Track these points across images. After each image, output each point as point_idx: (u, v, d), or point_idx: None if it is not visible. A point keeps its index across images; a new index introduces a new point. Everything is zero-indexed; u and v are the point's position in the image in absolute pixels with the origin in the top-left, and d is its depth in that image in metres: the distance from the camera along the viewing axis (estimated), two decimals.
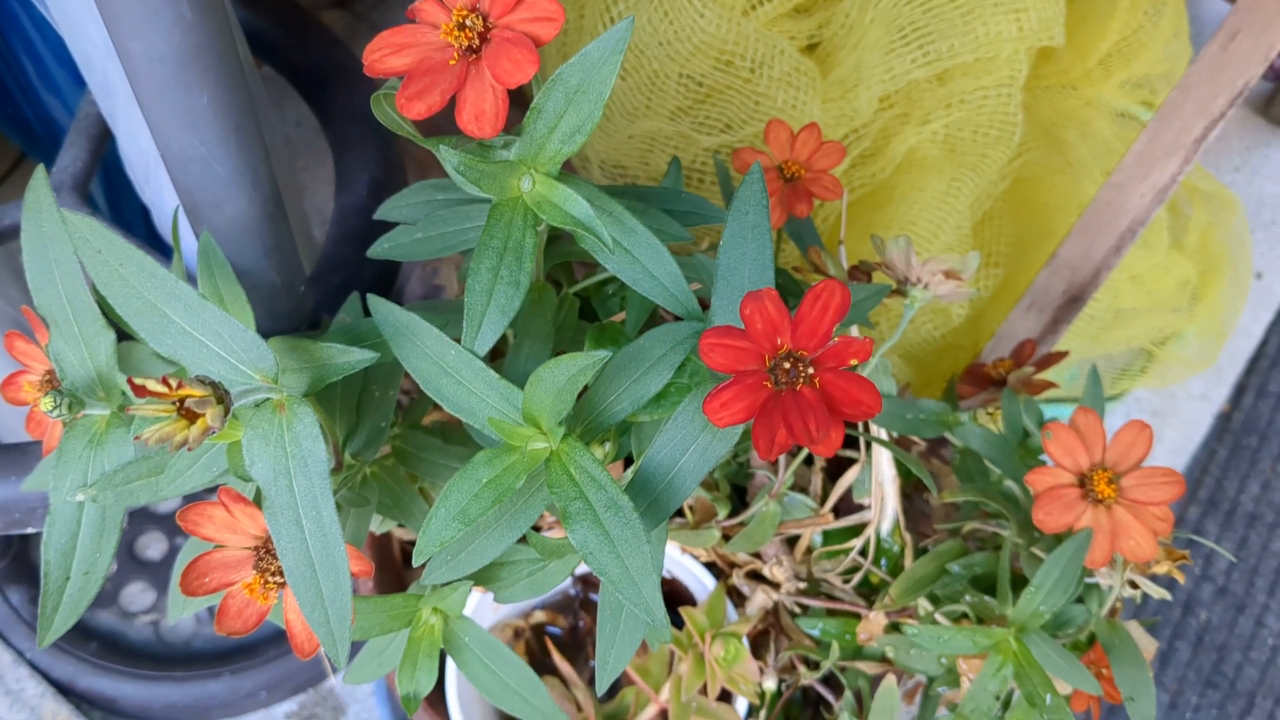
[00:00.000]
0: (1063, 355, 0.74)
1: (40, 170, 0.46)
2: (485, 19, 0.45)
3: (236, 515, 0.44)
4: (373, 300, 0.45)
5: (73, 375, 0.47)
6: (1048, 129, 0.99)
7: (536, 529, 0.63)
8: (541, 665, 0.74)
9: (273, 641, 1.01)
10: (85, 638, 0.98)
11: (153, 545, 1.04)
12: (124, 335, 0.48)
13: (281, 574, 0.43)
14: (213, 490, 0.46)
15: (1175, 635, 1.35)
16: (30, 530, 0.64)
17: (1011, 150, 0.89)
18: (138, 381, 0.34)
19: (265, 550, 0.44)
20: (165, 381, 0.35)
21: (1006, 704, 0.66)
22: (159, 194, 0.61)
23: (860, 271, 0.67)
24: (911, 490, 0.76)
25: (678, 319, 0.48)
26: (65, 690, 0.96)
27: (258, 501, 0.42)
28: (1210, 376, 1.29)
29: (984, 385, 0.75)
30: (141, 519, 1.04)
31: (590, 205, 0.46)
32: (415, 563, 0.42)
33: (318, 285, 0.66)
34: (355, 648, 0.55)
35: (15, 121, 0.85)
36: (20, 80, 0.81)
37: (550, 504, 0.45)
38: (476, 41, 0.44)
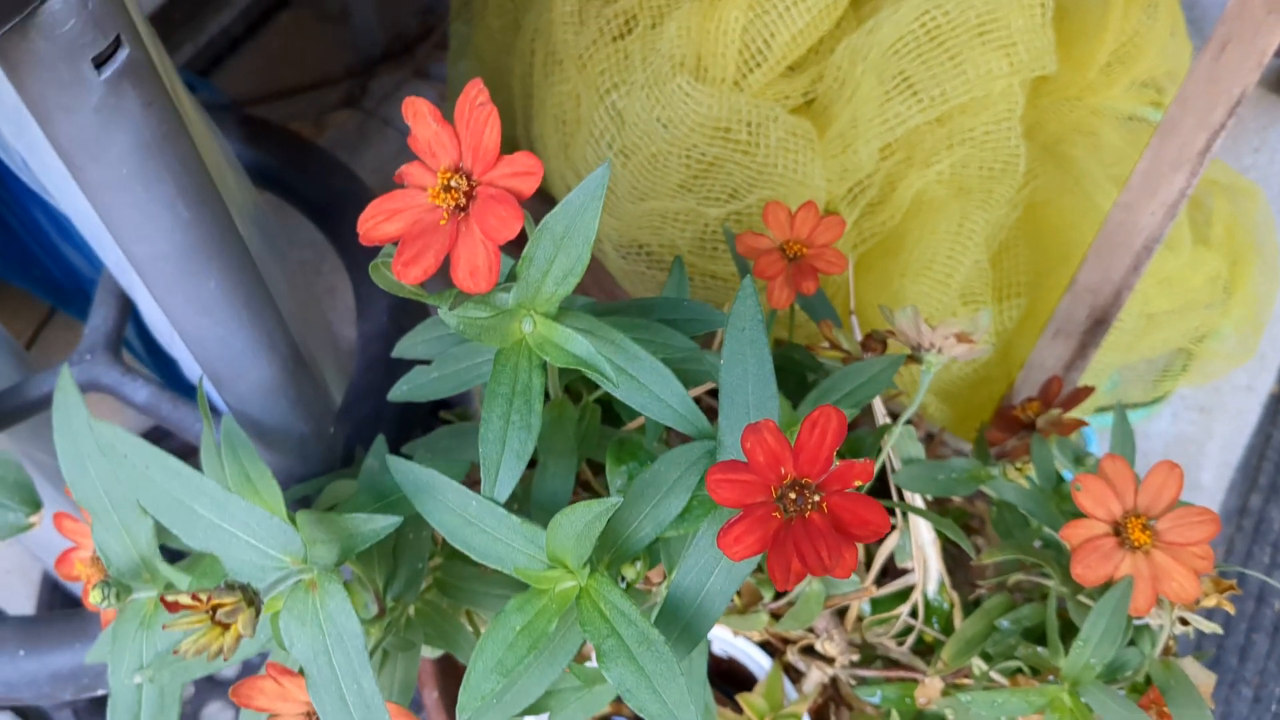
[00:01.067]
0: (1089, 391, 0.74)
1: (66, 371, 0.48)
2: (469, 178, 0.46)
3: (285, 686, 0.45)
4: (392, 461, 0.47)
5: (117, 561, 0.49)
6: (1053, 148, 0.99)
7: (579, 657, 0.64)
8: None
9: None
10: None
11: (220, 714, 1.06)
12: None
13: None
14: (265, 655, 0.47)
15: (1251, 628, 1.33)
16: (100, 693, 0.66)
17: (1017, 181, 0.90)
18: (169, 599, 0.36)
19: (316, 716, 0.46)
20: (195, 597, 0.36)
21: None
22: (184, 353, 0.63)
23: (874, 340, 0.68)
24: (953, 544, 0.76)
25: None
26: None
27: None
28: (1253, 366, 1.28)
29: (1014, 429, 0.75)
30: (207, 687, 1.06)
31: (591, 341, 0.47)
32: (461, 715, 0.43)
33: (348, 417, 0.68)
34: None
35: (42, 281, 0.88)
36: (42, 242, 0.84)
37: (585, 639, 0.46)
38: (463, 201, 0.46)
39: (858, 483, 0.40)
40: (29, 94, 0.38)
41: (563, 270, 0.47)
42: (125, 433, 0.43)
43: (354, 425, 0.68)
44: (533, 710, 0.54)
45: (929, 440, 0.93)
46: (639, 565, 0.52)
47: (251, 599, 0.38)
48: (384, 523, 0.44)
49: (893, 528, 0.68)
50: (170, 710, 0.49)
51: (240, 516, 0.42)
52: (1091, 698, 0.61)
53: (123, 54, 0.38)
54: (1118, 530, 0.60)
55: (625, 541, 0.48)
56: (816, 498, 0.40)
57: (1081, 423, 0.72)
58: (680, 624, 0.46)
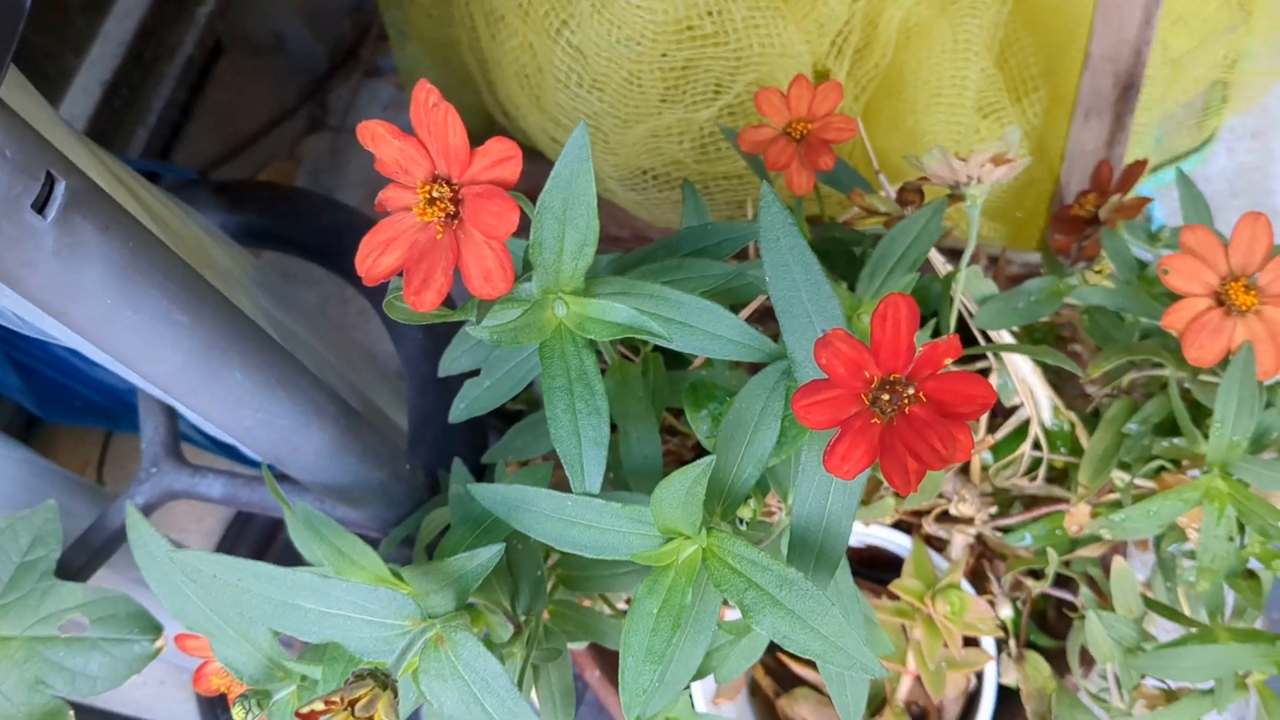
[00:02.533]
0: (1142, 166, 0.70)
1: (130, 509, 0.47)
2: (450, 183, 0.43)
3: None
4: (476, 490, 0.45)
5: (247, 671, 0.48)
6: None
7: None
8: (785, 678, 0.74)
9: None
10: None
11: None
12: None
13: None
14: None
15: None
16: None
17: None
18: (304, 711, 0.35)
19: None
20: (328, 701, 0.35)
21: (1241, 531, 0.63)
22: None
23: (909, 193, 0.65)
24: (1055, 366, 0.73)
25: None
26: None
27: None
28: None
29: (1078, 229, 0.71)
30: None
31: (629, 302, 0.45)
32: (629, 718, 0.42)
33: (419, 446, 0.67)
34: None
35: (86, 411, 0.88)
36: (73, 374, 0.83)
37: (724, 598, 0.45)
38: (452, 208, 0.43)
39: (947, 361, 0.38)
40: None
41: (576, 244, 0.44)
42: (206, 554, 0.41)
43: (428, 450, 0.67)
44: (700, 674, 0.53)
45: (993, 265, 0.90)
46: (751, 503, 0.50)
47: (385, 682, 0.37)
48: (488, 555, 0.43)
49: (988, 370, 0.66)
50: None
51: (346, 598, 0.41)
52: (1245, 474, 0.58)
53: (60, 189, 0.36)
54: (1220, 300, 0.56)
55: (732, 488, 0.46)
56: (910, 390, 0.38)
57: (1145, 200, 0.68)
58: (813, 553, 0.44)
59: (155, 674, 1.12)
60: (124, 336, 0.41)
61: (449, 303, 0.47)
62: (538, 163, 0.99)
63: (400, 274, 0.44)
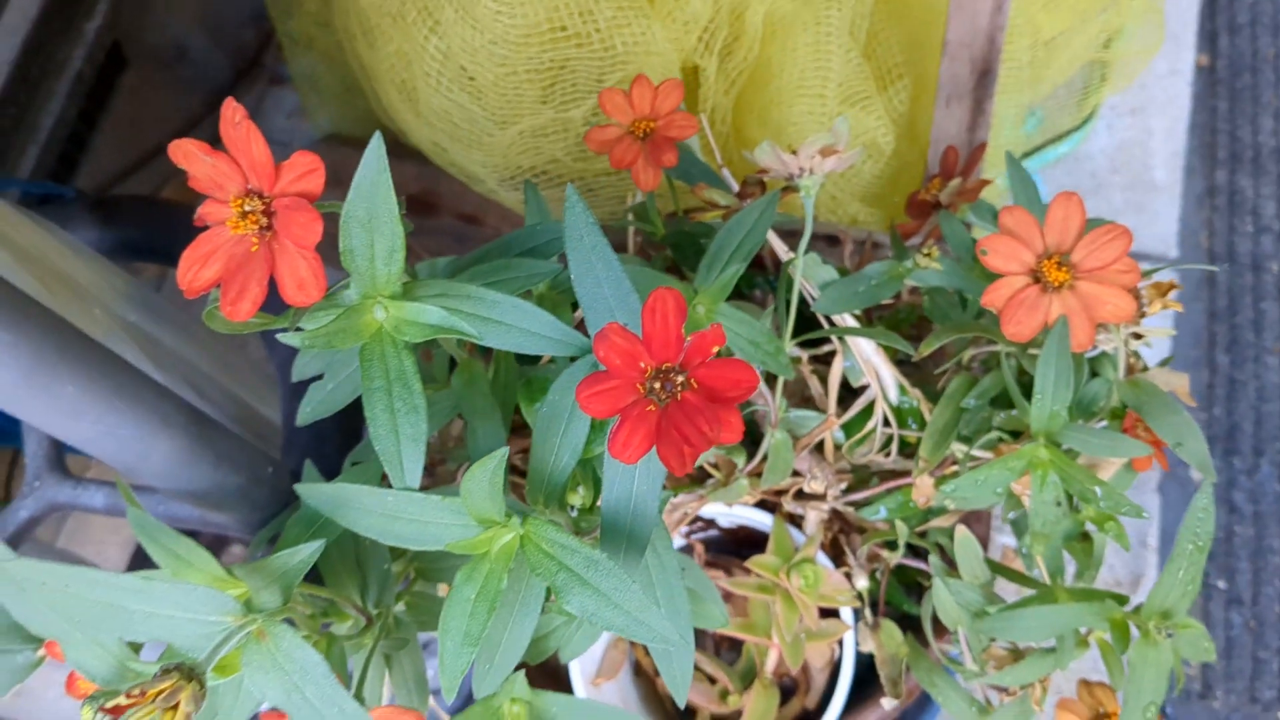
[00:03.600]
0: (982, 149, 0.73)
1: None
2: (262, 196, 0.45)
3: None
4: (301, 489, 0.47)
5: (99, 674, 0.50)
6: None
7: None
8: None
9: None
10: None
11: None
12: None
13: None
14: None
15: (1257, 298, 1.33)
16: None
17: None
18: (107, 707, 0.37)
19: None
20: (129, 694, 0.37)
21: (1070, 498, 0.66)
22: None
23: (751, 186, 0.67)
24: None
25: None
26: None
27: None
28: (1169, 50, 1.26)
29: (927, 213, 0.74)
30: None
31: (444, 303, 0.47)
32: (447, 696, 0.44)
33: (290, 451, 0.68)
34: None
35: None
36: None
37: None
38: (265, 220, 0.45)
39: (715, 349, 0.40)
40: None
41: (385, 250, 0.46)
42: (33, 562, 0.43)
43: (300, 452, 0.68)
44: (537, 657, 0.55)
45: (868, 248, 0.93)
46: (581, 490, 0.53)
47: (190, 674, 0.39)
48: (308, 551, 0.45)
49: (833, 354, 0.68)
50: None
51: (169, 598, 0.43)
52: (1069, 439, 0.61)
53: None
54: (1036, 277, 0.59)
55: (551, 475, 0.48)
56: (681, 378, 0.40)
57: (985, 182, 0.71)
58: (623, 535, 0.46)
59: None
60: None
61: (273, 310, 0.49)
62: (426, 165, 1.01)
63: (218, 287, 0.46)
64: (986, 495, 0.64)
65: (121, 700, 0.37)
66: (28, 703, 1.10)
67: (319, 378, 0.58)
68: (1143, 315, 0.63)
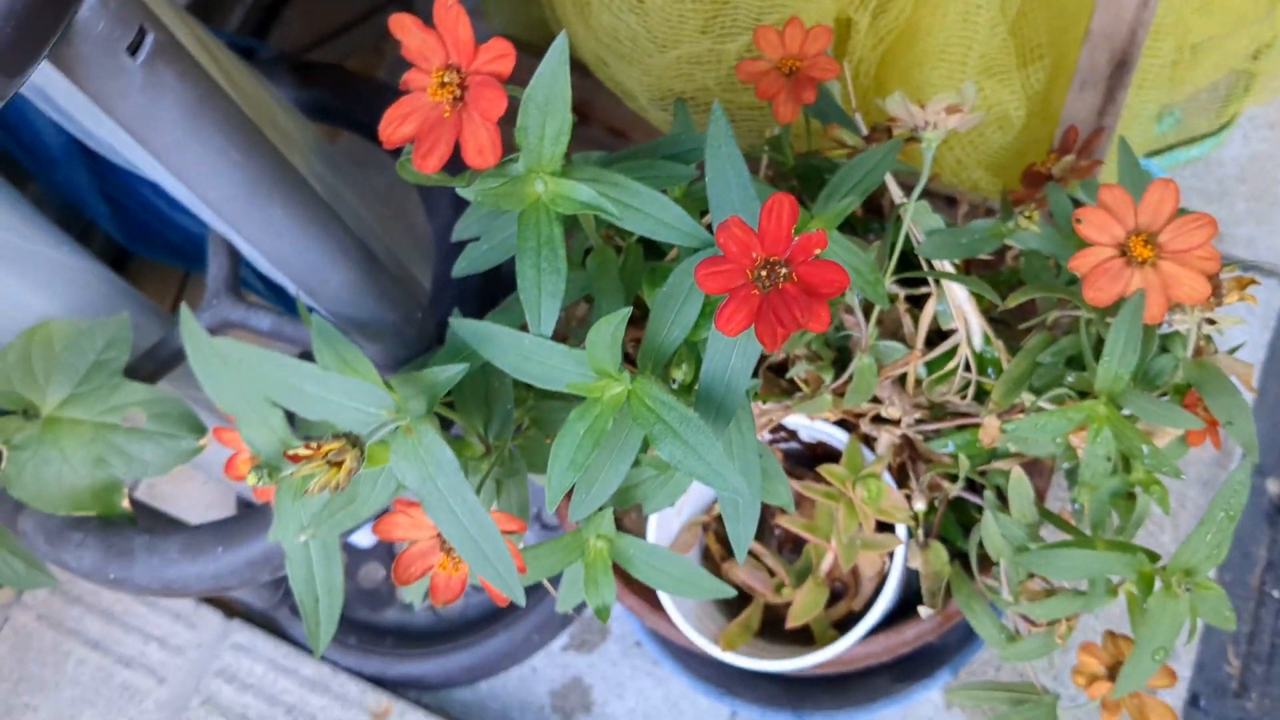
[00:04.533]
0: (1100, 132, 0.78)
1: (186, 311, 0.59)
2: (459, 70, 0.54)
3: (414, 516, 0.56)
4: (455, 323, 0.56)
5: (264, 450, 0.60)
6: None
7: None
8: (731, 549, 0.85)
9: (531, 591, 1.16)
10: (380, 636, 1.16)
11: (375, 572, 1.21)
12: None
13: None
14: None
15: None
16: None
17: None
18: (289, 452, 0.46)
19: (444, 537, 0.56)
20: (308, 445, 0.47)
21: (1127, 465, 0.72)
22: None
23: (878, 133, 0.74)
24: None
25: None
26: (379, 681, 1.14)
27: None
28: None
29: (1039, 184, 0.80)
30: (360, 555, 1.22)
31: (594, 186, 0.55)
32: (549, 508, 0.53)
33: (437, 304, 0.78)
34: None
35: (167, 250, 1.00)
36: (156, 215, 0.96)
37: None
38: (459, 91, 0.54)
39: (817, 250, 0.48)
40: (88, 89, 0.47)
41: (555, 132, 0.55)
42: (237, 343, 0.53)
43: (444, 308, 0.78)
44: (625, 503, 0.64)
45: (981, 211, 0.98)
46: (684, 368, 0.61)
47: (355, 441, 0.48)
48: (456, 369, 0.54)
49: (928, 295, 0.75)
50: (334, 558, 0.61)
51: (340, 386, 0.52)
52: (1130, 405, 0.67)
53: (150, 39, 0.47)
54: (1123, 251, 0.65)
55: (660, 346, 0.57)
56: (784, 270, 0.48)
57: (1097, 163, 0.77)
58: (715, 404, 0.55)
59: (207, 496, 1.27)
60: (191, 164, 0.53)
61: (452, 172, 0.58)
62: (586, 78, 1.09)
63: (412, 142, 0.55)
64: (1045, 440, 0.70)
65: (302, 450, 0.47)
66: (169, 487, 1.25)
67: (473, 241, 0.67)
68: (1219, 303, 0.69)
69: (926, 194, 0.72)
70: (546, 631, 1.16)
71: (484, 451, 0.64)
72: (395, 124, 0.55)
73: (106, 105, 0.48)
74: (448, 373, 0.54)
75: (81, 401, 0.77)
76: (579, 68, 1.08)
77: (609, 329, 0.52)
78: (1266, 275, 1.23)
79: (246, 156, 0.54)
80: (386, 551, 1.22)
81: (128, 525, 0.78)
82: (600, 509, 0.59)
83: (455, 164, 0.56)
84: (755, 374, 0.76)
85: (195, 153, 0.52)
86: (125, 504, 0.80)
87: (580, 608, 1.16)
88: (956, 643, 0.97)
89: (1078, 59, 0.94)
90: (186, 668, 1.17)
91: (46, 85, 0.53)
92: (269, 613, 1.18)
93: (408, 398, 0.55)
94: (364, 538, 1.21)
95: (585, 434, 0.54)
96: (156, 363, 0.82)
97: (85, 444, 0.77)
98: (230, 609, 1.20)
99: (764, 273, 0.48)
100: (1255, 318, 1.23)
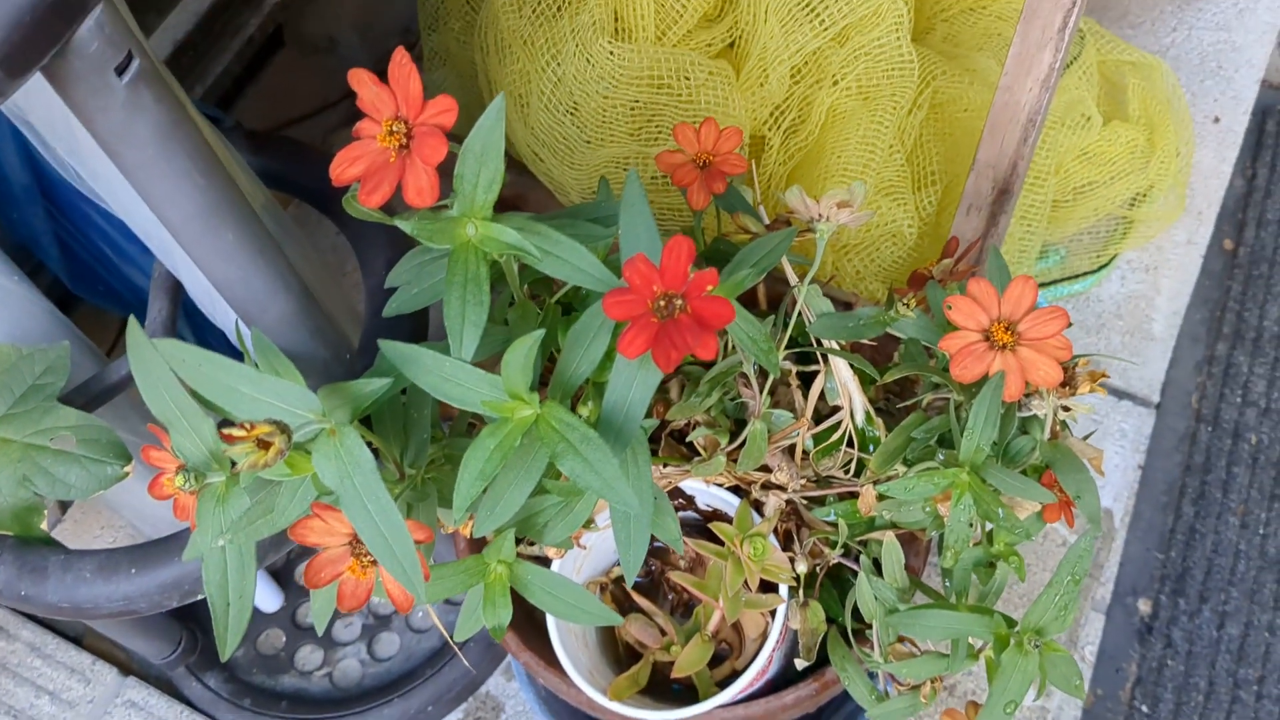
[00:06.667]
0: (976, 243, 0.88)
1: (133, 321, 0.64)
2: (406, 122, 0.61)
3: (329, 520, 0.60)
4: (382, 343, 0.62)
5: (192, 458, 0.64)
6: (953, 52, 1.12)
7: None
8: (626, 607, 0.90)
9: (429, 663, 1.18)
10: (275, 699, 1.17)
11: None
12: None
13: (371, 555, 0.60)
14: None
15: (1231, 462, 1.44)
16: (201, 596, 0.81)
17: (914, 83, 1.03)
18: (224, 431, 0.51)
19: (355, 542, 0.61)
20: (243, 426, 0.51)
21: (990, 539, 0.79)
22: (224, 317, 0.79)
23: (780, 223, 0.82)
24: (891, 390, 0.90)
25: None
26: None
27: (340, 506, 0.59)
28: (1191, 223, 1.40)
29: (922, 284, 0.88)
30: (303, 593, 1.23)
31: (519, 233, 0.62)
32: (455, 518, 0.58)
33: (366, 350, 0.83)
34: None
35: (108, 295, 1.05)
36: (103, 262, 1.01)
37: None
38: (405, 139, 0.61)
39: (709, 287, 0.54)
40: (73, 102, 0.53)
41: (487, 180, 0.62)
42: (179, 343, 0.58)
43: (372, 354, 0.83)
44: (526, 530, 0.69)
45: None
46: (590, 405, 0.67)
47: (284, 429, 0.53)
48: (380, 383, 0.59)
49: (817, 373, 0.82)
50: (248, 566, 0.65)
51: (273, 389, 0.57)
52: (990, 476, 0.74)
53: (135, 64, 0.54)
54: (987, 336, 0.73)
55: (569, 379, 0.63)
56: (680, 303, 0.55)
57: (971, 269, 0.86)
58: (615, 429, 0.61)
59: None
60: (156, 182, 0.59)
61: (390, 210, 0.65)
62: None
63: (359, 181, 0.62)
64: (915, 504, 0.77)
65: (235, 431, 0.51)
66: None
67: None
68: (1073, 392, 0.77)
69: (829, 299, 0.80)
70: (442, 705, 1.18)
71: (399, 478, 0.69)
72: (345, 165, 0.62)
73: (88, 118, 0.54)
74: (372, 385, 0.59)
75: (13, 422, 0.81)
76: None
77: (523, 352, 0.58)
78: (1139, 404, 1.33)
79: (208, 180, 0.60)
80: (289, 618, 1.24)
81: (44, 545, 0.81)
82: (499, 531, 0.64)
83: (396, 204, 0.63)
84: (658, 440, 0.83)
85: (162, 171, 0.58)
86: (44, 526, 0.82)
87: (475, 687, 1.19)
88: (835, 710, 1.02)
89: (965, 186, 1.04)
90: None
91: (28, 103, 0.58)
92: (164, 671, 1.19)
93: (333, 407, 0.60)
94: (268, 602, 1.23)
95: (495, 449, 0.59)
96: (88, 396, 0.86)
97: (12, 463, 0.80)
98: (126, 667, 1.20)
99: (663, 303, 0.55)
100: (1128, 443, 1.32)
